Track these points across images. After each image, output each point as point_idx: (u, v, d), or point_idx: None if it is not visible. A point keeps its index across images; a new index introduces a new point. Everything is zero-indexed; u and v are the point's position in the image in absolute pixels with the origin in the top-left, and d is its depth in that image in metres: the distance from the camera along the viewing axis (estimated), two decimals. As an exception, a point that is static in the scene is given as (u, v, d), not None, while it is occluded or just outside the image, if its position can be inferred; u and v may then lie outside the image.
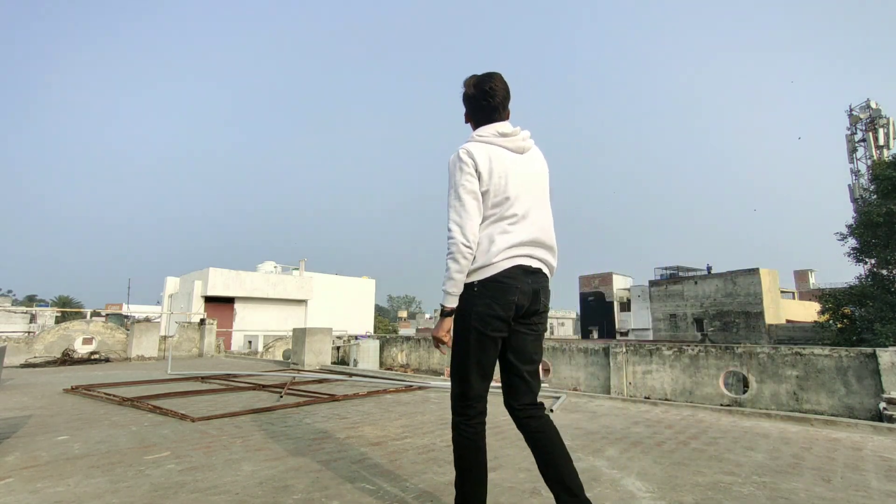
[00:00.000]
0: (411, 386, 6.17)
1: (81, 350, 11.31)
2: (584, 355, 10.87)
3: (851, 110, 34.09)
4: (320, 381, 6.88)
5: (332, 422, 4.01)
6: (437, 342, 1.78)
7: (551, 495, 1.66)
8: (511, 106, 1.92)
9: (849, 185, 33.03)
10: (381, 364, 16.19)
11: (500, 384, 1.84)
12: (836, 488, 2.44)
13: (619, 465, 2.79)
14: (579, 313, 52.99)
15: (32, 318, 25.72)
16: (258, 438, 3.39)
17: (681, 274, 41.85)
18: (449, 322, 1.75)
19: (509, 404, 1.78)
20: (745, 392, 8.73)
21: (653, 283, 40.40)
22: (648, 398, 7.22)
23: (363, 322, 36.87)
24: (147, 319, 15.06)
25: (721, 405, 8.07)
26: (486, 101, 1.85)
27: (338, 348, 18.86)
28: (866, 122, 33.05)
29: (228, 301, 29.34)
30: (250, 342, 27.32)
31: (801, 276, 48.39)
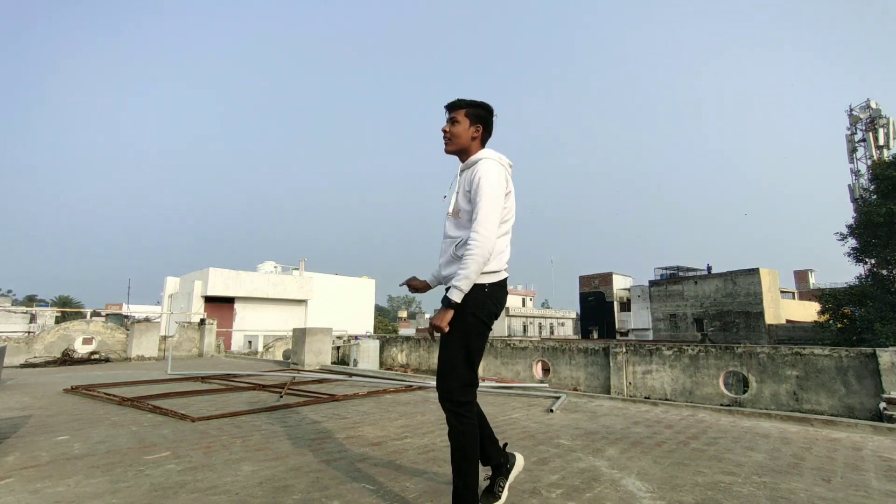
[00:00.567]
0: (411, 386, 6.18)
1: (81, 350, 11.31)
2: (584, 355, 10.87)
3: (851, 110, 34.07)
4: (320, 381, 6.88)
5: (332, 422, 4.01)
6: (437, 330, 1.90)
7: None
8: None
9: (849, 185, 33.01)
10: (381, 364, 16.17)
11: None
12: (836, 488, 2.45)
13: (620, 465, 2.79)
14: (579, 313, 52.99)
15: (32, 318, 25.66)
16: (258, 438, 3.40)
17: (681, 274, 41.88)
18: (451, 314, 1.88)
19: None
20: (745, 392, 8.72)
21: (653, 283, 40.42)
22: (648, 398, 7.23)
23: (363, 322, 36.88)
24: (147, 319, 15.08)
25: (721, 405, 8.08)
26: (491, 125, 2.16)
27: (338, 348, 18.86)
28: (866, 122, 33.03)
29: (228, 301, 29.35)
30: (250, 342, 27.31)
31: (801, 276, 48.47)
